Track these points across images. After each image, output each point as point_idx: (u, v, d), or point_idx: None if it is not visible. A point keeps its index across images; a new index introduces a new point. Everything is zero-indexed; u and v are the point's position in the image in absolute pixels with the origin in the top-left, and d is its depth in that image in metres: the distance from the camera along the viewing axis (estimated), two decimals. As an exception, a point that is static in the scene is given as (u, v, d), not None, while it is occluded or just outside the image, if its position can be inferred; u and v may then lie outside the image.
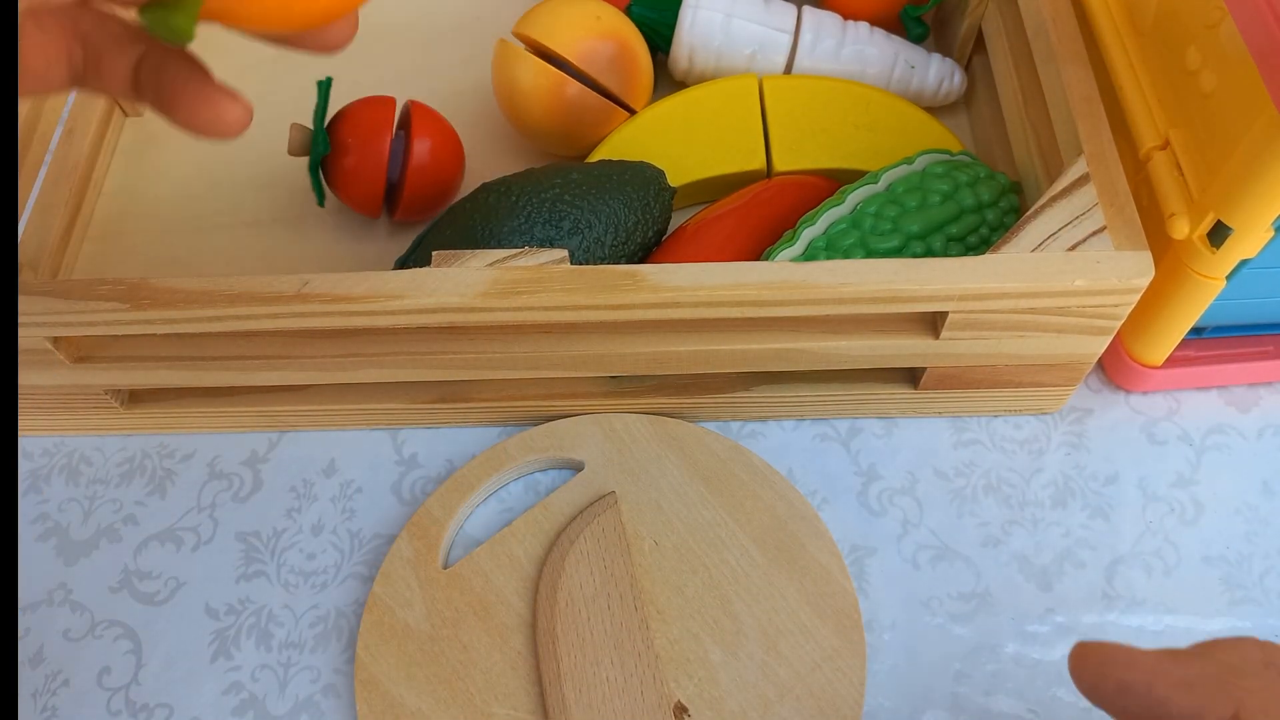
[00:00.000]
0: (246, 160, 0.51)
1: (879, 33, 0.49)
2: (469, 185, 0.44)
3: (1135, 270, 0.35)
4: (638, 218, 0.43)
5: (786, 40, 0.48)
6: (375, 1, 0.53)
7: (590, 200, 0.42)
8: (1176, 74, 0.37)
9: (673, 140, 0.47)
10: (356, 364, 0.39)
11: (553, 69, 0.46)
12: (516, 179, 0.43)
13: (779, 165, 0.47)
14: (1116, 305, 0.36)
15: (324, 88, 0.45)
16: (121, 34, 0.29)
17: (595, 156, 0.47)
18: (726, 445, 0.42)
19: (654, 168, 0.44)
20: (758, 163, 0.47)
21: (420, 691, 0.38)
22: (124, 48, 0.29)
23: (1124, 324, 0.39)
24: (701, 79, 0.49)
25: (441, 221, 0.43)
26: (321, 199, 0.46)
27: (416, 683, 0.38)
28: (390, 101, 0.45)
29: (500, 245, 0.40)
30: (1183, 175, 0.37)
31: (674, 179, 0.46)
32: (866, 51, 0.48)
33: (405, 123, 0.46)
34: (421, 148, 0.45)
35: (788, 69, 0.49)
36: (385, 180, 0.45)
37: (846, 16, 0.50)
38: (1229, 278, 0.37)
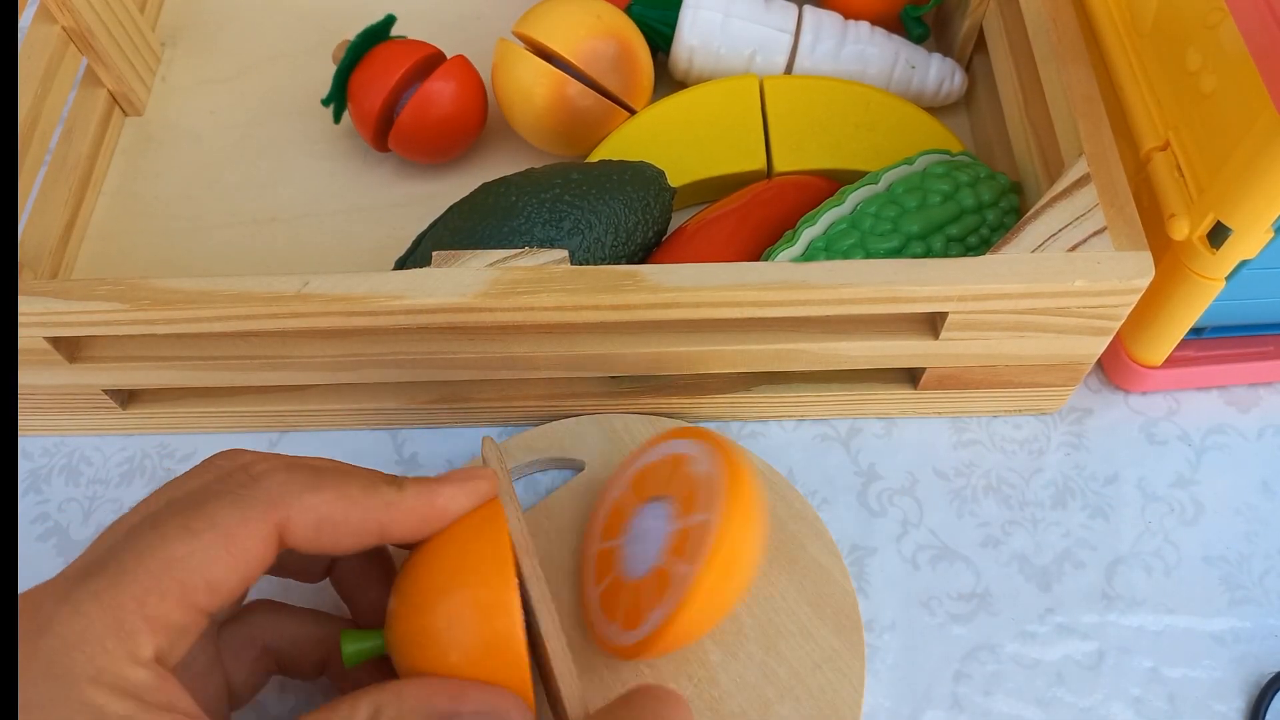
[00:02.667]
0: (246, 160, 0.51)
1: (879, 32, 0.49)
2: (469, 185, 0.44)
3: (1135, 271, 0.35)
4: (638, 218, 0.43)
5: (787, 40, 0.48)
6: (374, 1, 0.53)
7: (590, 200, 0.42)
8: (1177, 75, 0.37)
9: (673, 140, 0.47)
10: (356, 364, 0.39)
11: (552, 69, 0.46)
12: (516, 179, 0.43)
13: (779, 165, 0.47)
14: (1116, 305, 0.36)
15: (389, 20, 0.48)
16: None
17: (595, 156, 0.47)
18: (726, 445, 0.42)
19: (654, 168, 0.44)
20: (758, 163, 0.47)
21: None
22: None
23: (1124, 324, 0.39)
24: (701, 79, 0.49)
25: (441, 222, 0.43)
26: (333, 111, 0.49)
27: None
28: (425, 46, 0.48)
29: (500, 245, 0.40)
30: (1183, 176, 0.37)
31: (674, 179, 0.46)
32: (867, 51, 0.48)
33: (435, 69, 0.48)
34: (438, 85, 0.47)
35: (788, 69, 0.49)
36: (387, 100, 0.46)
37: (847, 16, 0.50)
38: (1229, 278, 0.37)
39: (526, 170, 0.43)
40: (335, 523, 0.29)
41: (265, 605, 0.34)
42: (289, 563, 0.34)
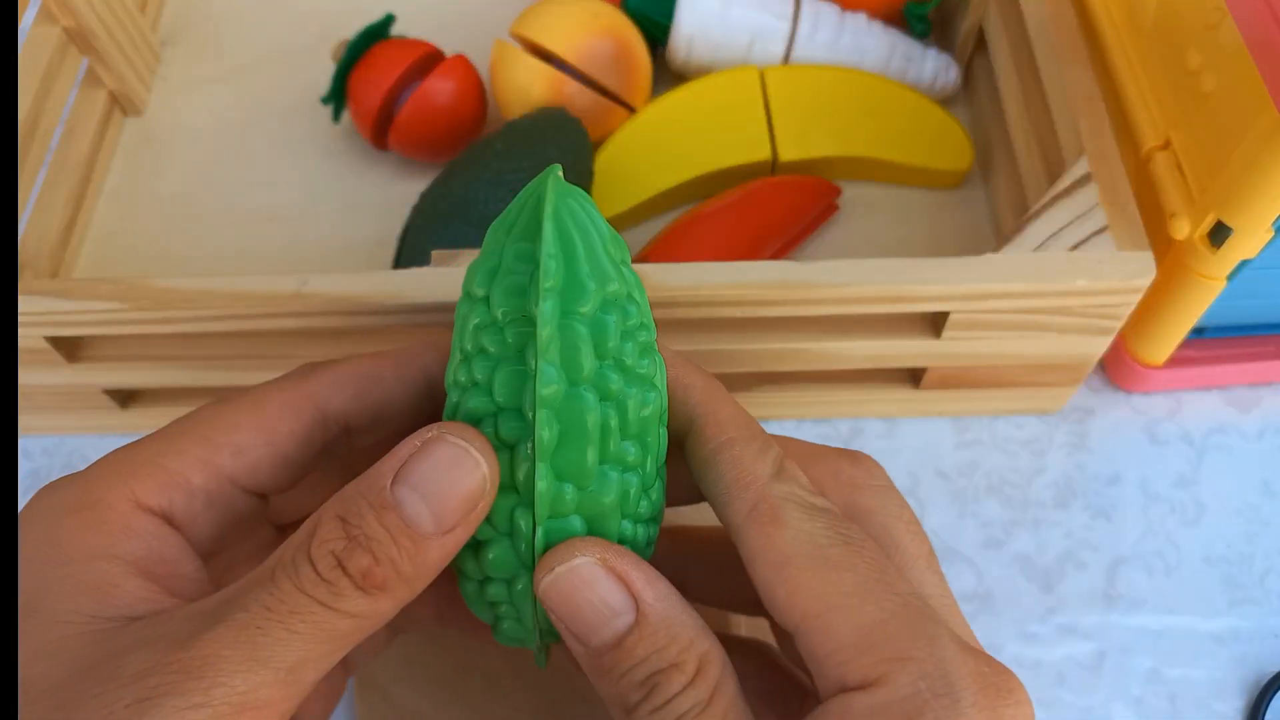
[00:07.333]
0: (246, 159, 0.51)
1: (877, 24, 0.49)
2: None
3: (1137, 270, 0.35)
4: (571, 158, 0.43)
5: (785, 29, 0.48)
6: (373, 1, 0.53)
7: (526, 161, 0.43)
8: (1177, 74, 0.37)
9: (676, 135, 0.47)
10: (356, 364, 0.39)
11: (550, 69, 0.45)
12: (449, 178, 0.43)
13: (784, 155, 0.46)
14: (1118, 305, 0.36)
15: (389, 19, 0.49)
16: None
17: (599, 155, 0.47)
18: (727, 445, 0.42)
19: (559, 110, 0.45)
20: (763, 153, 0.47)
21: (420, 692, 0.37)
22: None
23: (1125, 324, 0.39)
24: (700, 69, 0.49)
25: (411, 230, 0.43)
26: (333, 110, 0.50)
27: (416, 683, 0.38)
28: (425, 45, 0.48)
29: (476, 241, 0.40)
30: (1183, 175, 0.37)
31: (681, 173, 0.46)
32: (864, 42, 0.48)
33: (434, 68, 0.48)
34: (438, 83, 0.47)
35: (785, 58, 0.49)
36: (386, 98, 0.47)
37: (846, 8, 0.50)
38: (1230, 278, 0.37)
39: (447, 167, 0.44)
40: (374, 378, 0.27)
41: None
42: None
